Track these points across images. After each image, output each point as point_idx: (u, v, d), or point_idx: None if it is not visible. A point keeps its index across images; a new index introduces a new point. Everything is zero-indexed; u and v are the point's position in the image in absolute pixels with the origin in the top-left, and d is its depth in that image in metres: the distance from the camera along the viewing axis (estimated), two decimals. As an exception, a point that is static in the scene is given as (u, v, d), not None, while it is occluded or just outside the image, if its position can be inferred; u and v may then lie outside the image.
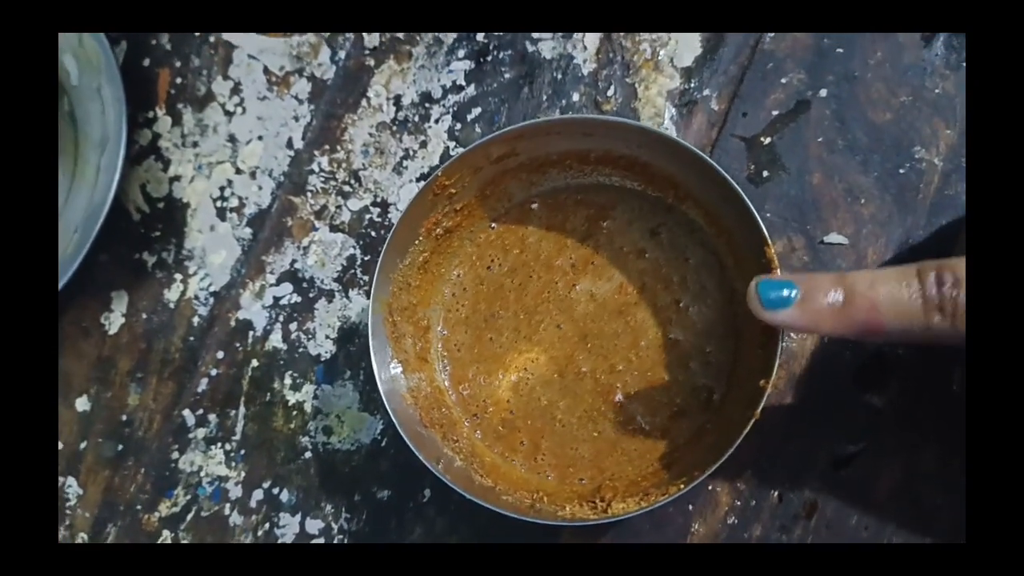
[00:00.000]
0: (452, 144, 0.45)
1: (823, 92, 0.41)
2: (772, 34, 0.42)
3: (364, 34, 0.46)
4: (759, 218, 0.34)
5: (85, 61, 0.46)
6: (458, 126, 0.45)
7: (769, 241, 0.34)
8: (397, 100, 0.46)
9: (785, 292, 0.31)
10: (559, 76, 0.44)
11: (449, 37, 0.45)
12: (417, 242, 0.40)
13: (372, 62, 0.46)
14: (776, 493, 0.39)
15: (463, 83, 0.45)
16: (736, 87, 0.42)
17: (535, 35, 0.44)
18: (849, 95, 0.41)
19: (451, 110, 0.45)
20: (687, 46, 0.43)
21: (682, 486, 0.34)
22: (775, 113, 0.41)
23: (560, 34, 0.44)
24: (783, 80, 0.41)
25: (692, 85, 0.43)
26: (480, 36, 0.45)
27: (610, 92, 0.43)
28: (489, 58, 0.45)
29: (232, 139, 0.47)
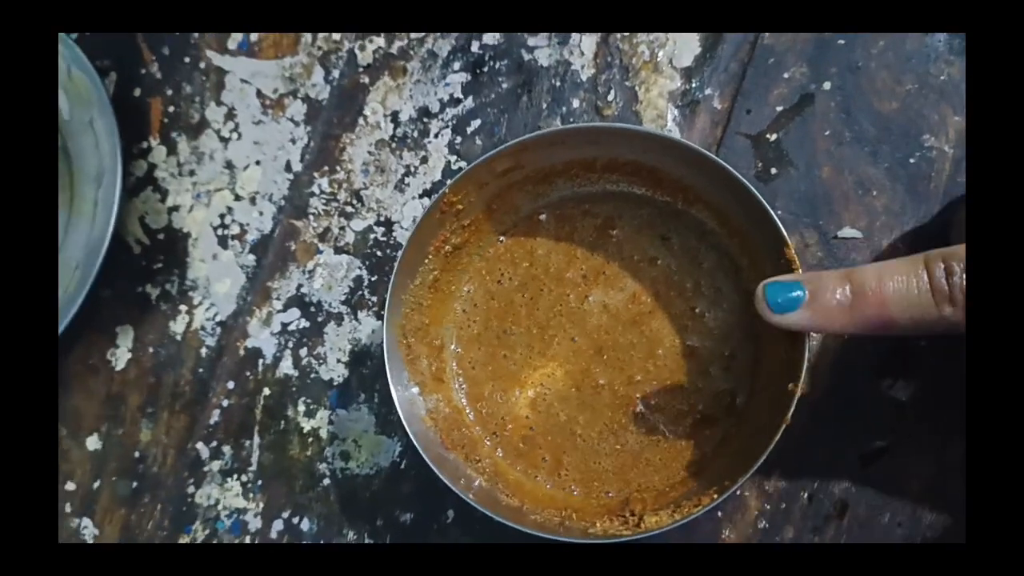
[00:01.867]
0: (453, 158, 0.44)
1: (827, 85, 0.40)
2: (771, 29, 0.41)
3: (357, 52, 0.45)
4: (776, 217, 0.34)
5: (75, 95, 0.45)
6: (458, 139, 0.44)
7: (788, 241, 0.34)
8: (394, 116, 0.45)
9: (792, 294, 0.31)
10: (558, 83, 0.44)
11: (443, 50, 0.45)
12: (426, 261, 0.39)
13: (367, 79, 0.45)
14: (806, 494, 0.39)
15: (460, 96, 0.44)
16: (738, 84, 0.41)
17: (531, 43, 0.44)
18: (853, 86, 0.40)
19: (450, 124, 0.44)
20: (685, 46, 0.42)
21: (715, 496, 0.34)
22: (779, 109, 0.41)
23: (556, 41, 0.43)
24: (785, 75, 0.41)
25: (693, 85, 0.42)
26: (475, 47, 0.44)
27: (610, 97, 0.43)
28: (485, 69, 0.44)
29: (229, 165, 0.46)
